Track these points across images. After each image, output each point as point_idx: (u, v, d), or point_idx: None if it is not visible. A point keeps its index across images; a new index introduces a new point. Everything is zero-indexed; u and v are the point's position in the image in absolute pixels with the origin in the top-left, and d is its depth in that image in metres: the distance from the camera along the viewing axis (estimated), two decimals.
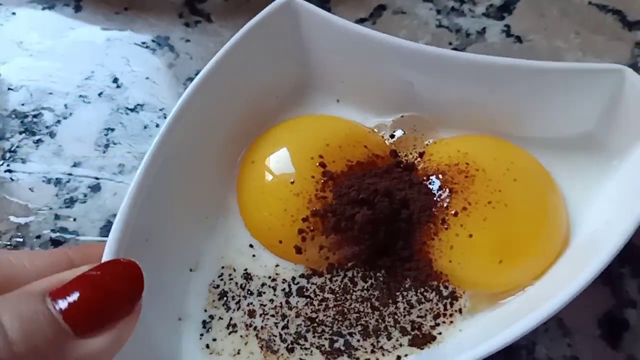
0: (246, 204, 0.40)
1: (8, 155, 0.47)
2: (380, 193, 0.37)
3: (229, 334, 0.36)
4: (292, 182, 0.38)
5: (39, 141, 0.47)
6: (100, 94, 0.49)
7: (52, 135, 0.47)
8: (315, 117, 0.44)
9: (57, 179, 0.45)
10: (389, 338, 0.36)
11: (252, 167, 0.40)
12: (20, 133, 0.48)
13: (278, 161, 0.40)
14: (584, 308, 0.39)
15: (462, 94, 0.41)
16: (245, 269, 0.38)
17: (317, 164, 0.39)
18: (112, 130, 0.47)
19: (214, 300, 0.38)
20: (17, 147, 0.47)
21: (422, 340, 0.35)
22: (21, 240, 0.43)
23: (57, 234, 0.43)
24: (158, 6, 0.54)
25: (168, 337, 0.36)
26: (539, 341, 0.38)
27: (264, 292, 0.37)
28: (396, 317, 0.36)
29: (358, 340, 0.36)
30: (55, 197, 0.45)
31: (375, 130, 0.43)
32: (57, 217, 0.44)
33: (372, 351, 0.35)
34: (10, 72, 0.51)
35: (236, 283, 0.38)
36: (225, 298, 0.38)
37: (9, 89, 0.50)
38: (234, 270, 0.38)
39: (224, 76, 0.40)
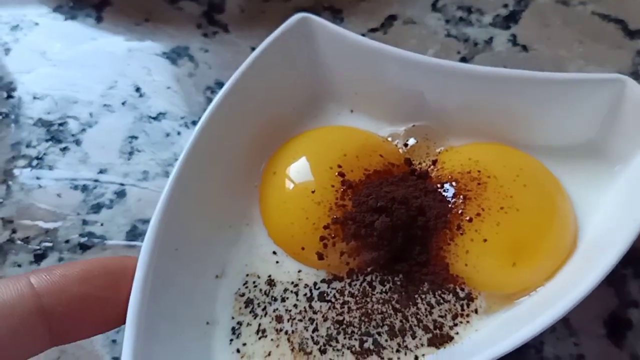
0: (269, 213, 0.41)
1: (35, 162, 0.47)
2: (397, 201, 0.38)
3: (259, 338, 0.37)
4: (313, 192, 0.39)
5: (65, 149, 0.48)
6: (123, 103, 0.50)
7: (77, 143, 0.48)
8: (332, 128, 0.44)
9: (83, 185, 0.46)
10: (414, 337, 0.36)
11: (273, 178, 0.41)
12: (47, 141, 0.48)
13: (299, 172, 0.40)
14: (590, 309, 0.40)
15: (470, 104, 0.42)
16: (269, 276, 0.39)
17: (336, 173, 0.39)
18: (136, 138, 0.48)
19: (240, 308, 0.38)
20: (44, 154, 0.48)
21: (440, 339, 0.36)
22: (50, 244, 0.44)
23: (85, 238, 0.44)
24: (177, 17, 0.55)
25: (198, 341, 0.37)
26: (546, 341, 0.39)
27: (287, 298, 0.38)
28: (418, 316, 0.37)
29: (386, 340, 0.36)
30: (82, 202, 0.45)
31: (389, 139, 0.44)
32: (84, 222, 0.44)
33: (398, 350, 0.36)
34: (35, 81, 0.52)
35: (260, 290, 0.39)
36: (251, 305, 0.38)
37: (34, 97, 0.51)
38: (258, 277, 0.39)
39: (244, 91, 0.41)
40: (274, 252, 0.40)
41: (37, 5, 0.56)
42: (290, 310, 0.38)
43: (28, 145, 0.48)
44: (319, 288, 0.38)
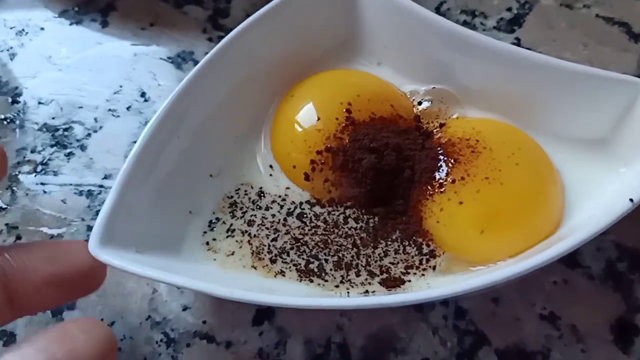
0: (276, 129, 0.43)
1: (40, 168, 0.46)
2: (390, 147, 0.40)
3: (227, 237, 0.39)
4: (318, 119, 0.41)
5: (70, 154, 0.47)
6: (128, 108, 0.49)
7: (82, 148, 0.47)
8: (355, 71, 0.47)
9: (88, 190, 0.45)
10: (358, 275, 0.37)
11: (290, 100, 0.44)
12: (52, 146, 0.47)
13: (312, 99, 0.43)
14: (597, 314, 0.39)
15: (495, 80, 0.42)
16: (261, 187, 0.42)
17: (344, 109, 0.41)
18: None
19: (223, 207, 0.41)
20: (48, 160, 0.46)
21: (392, 282, 0.37)
22: None
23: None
24: (182, 22, 0.54)
25: (175, 224, 0.39)
26: (553, 347, 0.38)
27: (271, 208, 0.41)
28: (369, 259, 0.38)
29: (331, 269, 0.38)
30: (87, 208, 0.44)
31: (407, 94, 0.45)
32: (89, 228, 0.43)
33: (342, 282, 0.37)
34: (40, 86, 0.51)
35: (249, 198, 0.41)
36: (234, 207, 0.41)
37: (39, 102, 0.50)
38: (251, 188, 0.42)
39: (278, 18, 0.44)
40: (271, 166, 0.43)
41: (43, 9, 0.55)
42: (266, 218, 0.40)
43: (33, 151, 0.47)
44: (303, 209, 0.41)
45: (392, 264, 0.38)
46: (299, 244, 0.39)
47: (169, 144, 0.39)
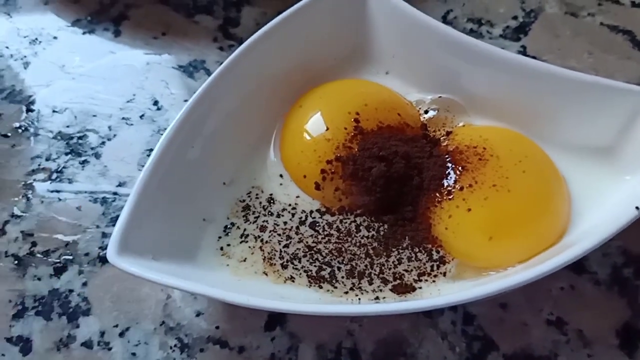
0: (285, 139, 0.44)
1: (55, 175, 0.47)
2: (399, 155, 0.40)
3: (241, 242, 0.40)
4: (327, 129, 0.42)
5: (84, 162, 0.47)
6: (141, 116, 0.49)
7: (97, 156, 0.47)
8: (363, 81, 0.47)
9: (103, 198, 0.45)
10: (370, 283, 0.38)
11: (299, 110, 0.44)
12: (66, 154, 0.48)
13: (320, 109, 0.43)
14: (603, 320, 0.39)
15: (501, 89, 0.43)
16: (271, 194, 0.42)
17: (353, 119, 0.42)
18: None
19: (237, 211, 0.41)
20: (63, 167, 0.47)
21: (403, 289, 0.37)
22: (70, 257, 0.43)
23: (105, 251, 0.43)
24: (193, 31, 0.54)
25: (190, 231, 0.40)
26: (560, 352, 0.38)
27: (283, 215, 0.41)
28: (383, 268, 0.38)
29: (342, 277, 0.38)
30: (102, 215, 0.45)
31: (414, 103, 0.45)
32: (104, 235, 0.44)
33: (352, 289, 0.38)
34: (54, 94, 0.51)
35: (260, 202, 0.42)
36: (247, 211, 0.41)
37: (53, 111, 0.50)
38: (262, 192, 0.42)
39: (288, 29, 0.44)
40: (281, 175, 0.43)
41: (56, 19, 0.56)
42: (277, 225, 0.41)
43: (48, 159, 0.48)
44: (314, 217, 0.41)
45: (406, 271, 0.38)
46: (312, 251, 0.39)
47: (183, 154, 0.39)
